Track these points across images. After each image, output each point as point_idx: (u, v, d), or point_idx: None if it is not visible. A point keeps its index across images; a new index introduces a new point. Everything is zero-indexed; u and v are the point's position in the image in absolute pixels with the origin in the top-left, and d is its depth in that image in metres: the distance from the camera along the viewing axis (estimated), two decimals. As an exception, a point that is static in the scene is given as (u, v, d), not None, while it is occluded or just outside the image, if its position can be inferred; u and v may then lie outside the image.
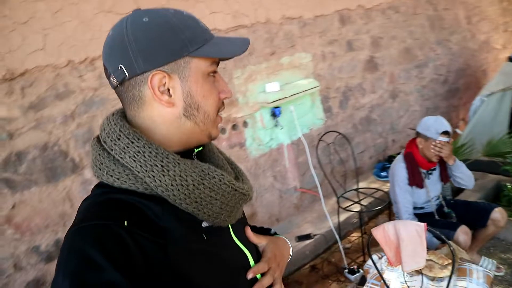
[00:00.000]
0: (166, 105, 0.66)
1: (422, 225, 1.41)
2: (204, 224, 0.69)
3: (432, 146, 2.28)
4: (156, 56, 0.63)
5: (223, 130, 2.80)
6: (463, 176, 2.40)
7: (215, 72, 0.70)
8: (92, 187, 0.70)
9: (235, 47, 0.70)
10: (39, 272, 1.97)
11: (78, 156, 2.07)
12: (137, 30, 0.63)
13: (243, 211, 0.86)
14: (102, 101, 2.14)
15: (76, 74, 2.04)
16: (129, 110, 0.69)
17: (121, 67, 0.64)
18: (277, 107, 2.99)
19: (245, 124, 2.93)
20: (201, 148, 0.78)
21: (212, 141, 0.79)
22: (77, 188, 2.07)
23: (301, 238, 2.99)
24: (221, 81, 0.72)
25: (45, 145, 1.96)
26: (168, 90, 0.66)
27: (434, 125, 2.29)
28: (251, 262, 0.78)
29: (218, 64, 0.71)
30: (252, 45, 2.88)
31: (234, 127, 2.86)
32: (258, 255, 0.82)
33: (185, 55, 0.65)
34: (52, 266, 2.02)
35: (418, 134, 2.39)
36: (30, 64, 1.89)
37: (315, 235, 3.02)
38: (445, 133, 2.27)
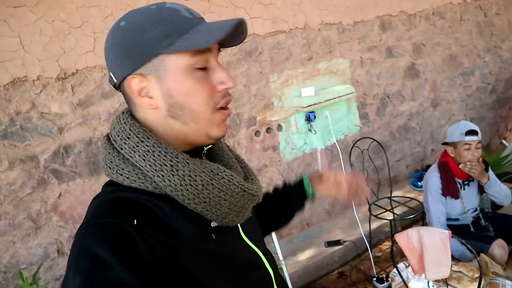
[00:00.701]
0: (149, 107, 0.65)
1: (447, 232, 1.38)
2: (213, 224, 0.69)
3: (461, 166, 2.21)
4: (130, 60, 0.62)
5: (257, 133, 2.87)
6: (497, 194, 2.31)
7: (204, 65, 0.64)
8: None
9: (212, 34, 0.61)
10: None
11: (119, 151, 2.22)
12: (114, 36, 0.64)
13: (253, 210, 0.84)
14: (143, 100, 2.27)
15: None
16: (131, 111, 0.70)
17: (110, 74, 0.66)
18: (311, 112, 3.02)
19: (279, 127, 2.98)
20: (210, 146, 0.76)
21: (221, 140, 0.78)
22: (117, 181, 2.22)
23: (331, 243, 2.98)
24: (218, 71, 0.66)
25: (90, 140, 2.12)
26: (148, 92, 0.64)
27: (458, 128, 2.25)
28: (264, 260, 0.78)
29: (211, 53, 0.65)
30: (290, 50, 2.93)
31: (268, 130, 2.92)
32: (269, 254, 0.82)
33: (157, 53, 0.61)
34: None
35: (447, 145, 2.34)
36: (81, 64, 2.06)
37: (345, 241, 3.00)
38: (471, 132, 2.19)
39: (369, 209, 2.97)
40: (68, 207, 2.08)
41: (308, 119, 3.05)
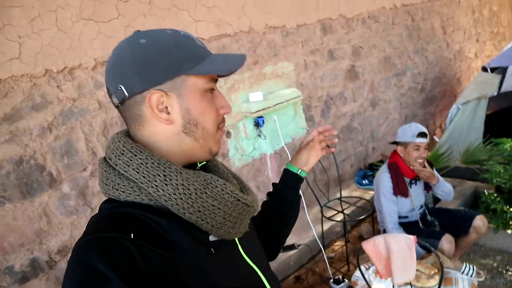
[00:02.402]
0: (165, 122, 0.68)
1: (412, 238, 1.41)
2: (211, 238, 0.70)
3: (414, 169, 2.32)
4: (153, 76, 0.66)
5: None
6: (444, 193, 2.46)
7: (213, 89, 0.72)
8: (70, 202, 0.70)
9: (230, 64, 0.71)
10: (14, 293, 1.86)
11: (55, 170, 1.98)
12: (135, 52, 0.66)
13: (253, 227, 0.87)
14: (82, 112, 2.05)
15: (54, 84, 1.96)
16: (131, 128, 0.72)
17: (120, 87, 0.67)
18: (260, 117, 2.97)
19: (228, 134, 2.89)
20: (205, 162, 0.79)
21: (216, 158, 0.82)
22: (54, 203, 1.98)
23: (285, 248, 2.96)
24: (220, 97, 0.74)
25: (20, 158, 1.86)
26: (166, 107, 0.68)
27: (409, 130, 2.36)
28: (263, 279, 0.77)
29: (216, 81, 0.73)
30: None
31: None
32: (270, 273, 0.82)
33: (181, 73, 0.67)
34: (28, 287, 1.91)
35: (397, 144, 2.43)
36: (4, 73, 1.79)
37: (299, 245, 3.00)
38: (422, 134, 2.32)
39: (321, 211, 3.00)
40: (-3, 237, 1.81)
41: (257, 124, 3.00)
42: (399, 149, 2.40)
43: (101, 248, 0.57)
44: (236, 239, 0.76)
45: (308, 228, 3.00)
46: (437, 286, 1.62)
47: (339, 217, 3.01)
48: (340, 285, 2.63)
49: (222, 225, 0.68)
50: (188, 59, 0.67)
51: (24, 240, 1.89)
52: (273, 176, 3.25)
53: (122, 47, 0.69)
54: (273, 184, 1.13)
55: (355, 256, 2.84)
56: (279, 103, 2.96)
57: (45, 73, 1.91)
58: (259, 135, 3.06)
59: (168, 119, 0.68)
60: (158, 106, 0.67)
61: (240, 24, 2.85)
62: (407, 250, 1.40)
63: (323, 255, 2.89)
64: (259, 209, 1.07)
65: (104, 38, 2.09)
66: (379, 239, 1.36)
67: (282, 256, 2.91)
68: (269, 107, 2.90)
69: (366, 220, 3.30)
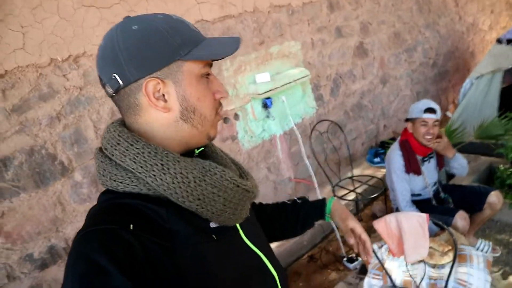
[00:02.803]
0: (163, 110, 0.67)
1: (424, 216, 1.39)
2: (212, 225, 0.69)
3: (427, 143, 2.27)
4: (148, 63, 0.64)
5: (214, 124, 2.74)
6: (460, 167, 2.40)
7: (208, 74, 0.71)
8: (83, 189, 0.70)
9: (225, 48, 0.69)
10: (34, 280, 1.91)
11: (67, 159, 2.00)
12: (127, 39, 0.64)
13: (253, 212, 0.86)
14: (89, 100, 2.06)
15: (60, 73, 1.96)
16: (127, 118, 0.70)
17: (114, 76, 0.65)
18: (268, 98, 2.94)
19: (236, 116, 2.88)
20: (202, 149, 0.79)
21: (213, 143, 0.81)
22: (67, 191, 2.01)
23: (298, 229, 2.97)
24: (215, 81, 0.72)
25: (31, 149, 1.88)
26: (163, 95, 0.66)
27: (418, 105, 2.31)
28: (267, 263, 0.77)
29: (211, 65, 0.71)
30: (240, 35, 2.80)
31: (225, 120, 2.81)
32: (273, 257, 0.82)
33: (176, 59, 0.65)
34: (48, 273, 1.96)
35: (407, 121, 2.39)
36: (9, 65, 1.79)
37: (311, 225, 3.01)
38: (430, 110, 2.25)
39: (333, 190, 2.99)
40: (15, 226, 1.84)
41: (265, 106, 2.98)
42: (409, 125, 2.36)
43: (101, 240, 0.57)
44: (237, 225, 0.75)
45: (320, 208, 3.00)
46: (451, 263, 1.61)
47: (351, 196, 3.00)
48: (353, 264, 2.65)
49: (222, 212, 0.67)
50: (183, 44, 0.65)
51: (41, 228, 1.93)
52: (283, 156, 3.24)
53: (113, 34, 0.66)
54: (303, 200, 1.11)
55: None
56: (287, 83, 2.92)
57: (50, 63, 1.91)
58: (267, 117, 3.04)
59: (165, 106, 0.67)
60: (154, 94, 0.65)
61: (244, 4, 2.79)
62: (419, 229, 1.38)
63: (336, 234, 2.90)
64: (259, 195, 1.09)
65: (107, 24, 2.07)
66: (390, 218, 1.34)
67: (294, 236, 2.93)
68: (276, 88, 2.86)
69: (379, 198, 3.28)
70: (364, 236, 1.03)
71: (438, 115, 2.26)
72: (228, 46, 0.69)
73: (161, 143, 0.68)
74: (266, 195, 3.13)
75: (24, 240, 1.88)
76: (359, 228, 1.03)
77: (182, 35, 0.66)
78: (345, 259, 2.72)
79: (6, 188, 1.81)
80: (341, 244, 2.82)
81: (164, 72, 0.65)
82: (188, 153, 0.72)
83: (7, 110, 1.80)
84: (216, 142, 2.78)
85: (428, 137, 2.26)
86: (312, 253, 2.95)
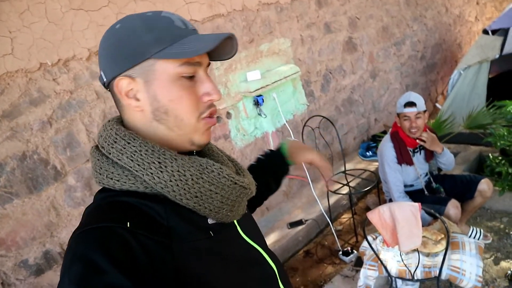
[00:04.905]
0: (135, 109, 0.67)
1: (417, 205, 1.42)
2: (210, 221, 0.69)
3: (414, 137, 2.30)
4: (120, 61, 0.64)
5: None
6: (447, 162, 2.45)
7: (193, 74, 0.66)
8: (77, 193, 0.70)
9: (201, 45, 0.63)
10: (30, 286, 1.90)
11: (59, 163, 1.99)
12: (107, 38, 0.66)
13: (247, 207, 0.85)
14: (80, 103, 2.05)
15: (50, 77, 1.95)
16: (120, 113, 0.71)
17: (101, 73, 0.68)
18: (259, 96, 2.95)
19: (228, 115, 2.89)
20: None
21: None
22: (61, 196, 2.00)
23: (293, 224, 3.00)
24: (205, 83, 0.68)
25: (23, 154, 1.87)
26: (136, 94, 0.66)
27: (400, 101, 2.35)
28: (266, 256, 0.78)
29: (200, 64, 0.67)
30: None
31: (217, 119, 2.81)
32: (270, 251, 0.82)
33: (147, 57, 0.63)
34: (44, 279, 1.95)
35: (396, 115, 2.42)
36: (-1, 70, 1.79)
37: (306, 220, 3.03)
38: (409, 104, 2.28)
39: (326, 186, 3.01)
40: (9, 232, 1.84)
41: (257, 103, 2.99)
42: (397, 119, 2.40)
43: (97, 239, 0.56)
44: (235, 221, 0.75)
45: (314, 203, 3.03)
46: (444, 251, 1.64)
47: (345, 190, 3.02)
48: (349, 257, 2.67)
49: (220, 209, 0.67)
50: (156, 42, 0.63)
51: (35, 233, 1.93)
52: (276, 154, 3.25)
53: (105, 32, 0.68)
54: (265, 154, 1.12)
55: (362, 228, 2.87)
56: (278, 81, 2.94)
57: (39, 67, 1.90)
58: (259, 114, 3.06)
59: (137, 106, 0.66)
60: (128, 93, 0.65)
61: (232, 2, 2.80)
62: (412, 218, 1.41)
63: (331, 228, 2.92)
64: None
65: (96, 27, 2.07)
66: (383, 209, 1.37)
67: (290, 232, 2.95)
68: (267, 85, 2.88)
69: (372, 191, 3.32)
70: (323, 163, 1.08)
71: (421, 107, 2.29)
72: (207, 43, 0.63)
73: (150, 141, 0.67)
74: (261, 192, 3.14)
75: (19, 246, 1.88)
76: (316, 157, 1.07)
77: (158, 32, 0.63)
78: (340, 252, 2.74)
79: (-1, 195, 1.80)
80: (336, 238, 2.85)
81: (136, 70, 0.64)
82: (186, 151, 0.72)
83: (-2, 116, 1.79)
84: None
85: (413, 130, 2.30)
86: (307, 249, 2.97)
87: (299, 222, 3.02)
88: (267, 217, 3.23)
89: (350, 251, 2.73)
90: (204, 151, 0.78)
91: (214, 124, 0.71)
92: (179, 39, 0.64)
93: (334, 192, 2.97)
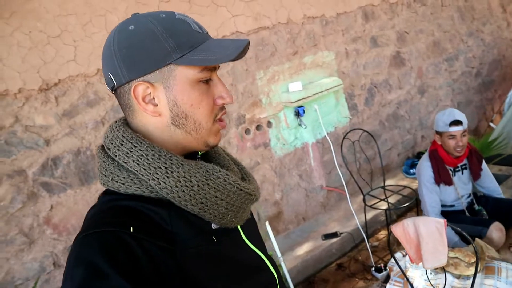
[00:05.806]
0: (152, 114, 0.66)
1: (442, 221, 1.39)
2: (214, 226, 0.68)
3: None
4: (138, 66, 0.63)
5: (247, 131, 2.85)
6: (486, 190, 2.41)
7: (209, 78, 0.67)
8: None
9: (224, 53, 0.63)
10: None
11: (108, 160, 2.19)
12: (121, 39, 0.63)
13: (251, 212, 0.85)
14: (130, 106, 2.24)
15: (105, 82, 2.16)
16: (127, 116, 0.70)
17: (109, 75, 0.65)
18: (300, 106, 3.01)
19: (269, 124, 2.97)
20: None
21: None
22: (108, 189, 2.19)
23: (328, 236, 2.99)
24: (219, 86, 0.69)
25: (78, 150, 2.09)
26: (154, 99, 0.65)
27: (442, 118, 2.26)
28: (267, 262, 0.78)
29: (215, 69, 0.68)
30: (274, 46, 2.91)
31: (258, 127, 2.91)
32: (270, 257, 0.82)
33: (168, 63, 0.63)
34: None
35: (436, 133, 2.35)
36: (63, 74, 2.02)
37: (341, 233, 3.01)
38: (455, 122, 2.20)
39: (364, 200, 2.98)
40: (61, 219, 2.05)
41: (298, 114, 3.05)
42: (437, 137, 2.32)
43: (100, 244, 0.55)
44: (238, 226, 0.75)
45: (351, 217, 3.00)
46: (474, 274, 1.58)
47: (383, 206, 2.97)
48: (381, 274, 2.62)
49: (225, 215, 0.67)
50: (177, 48, 0.62)
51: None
52: (315, 164, 3.28)
53: (112, 34, 0.65)
54: None
55: (399, 245, 2.80)
56: (319, 92, 2.98)
57: (97, 72, 2.11)
58: (300, 125, 3.11)
59: (155, 111, 0.65)
60: (145, 98, 0.65)
61: (278, 16, 2.90)
62: (437, 234, 1.39)
63: (366, 243, 2.88)
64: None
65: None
66: (408, 222, 1.36)
67: (324, 243, 2.95)
68: (308, 97, 2.93)
69: (412, 209, 3.22)
70: None
71: (465, 124, 2.22)
72: (228, 51, 0.63)
73: (160, 145, 0.67)
74: (298, 202, 3.18)
75: (69, 232, 2.08)
76: None
77: (178, 37, 0.63)
78: (373, 268, 2.70)
79: (55, 184, 2.02)
80: (371, 254, 2.81)
81: (155, 75, 0.63)
82: (191, 154, 0.71)
83: (59, 114, 2.02)
84: (250, 149, 2.90)
85: (458, 149, 2.23)
86: (341, 262, 2.95)
87: (334, 235, 3.00)
88: (302, 226, 3.25)
89: (383, 268, 2.67)
90: (211, 154, 0.78)
91: (225, 126, 0.74)
92: (198, 44, 0.64)
93: (371, 206, 2.93)
